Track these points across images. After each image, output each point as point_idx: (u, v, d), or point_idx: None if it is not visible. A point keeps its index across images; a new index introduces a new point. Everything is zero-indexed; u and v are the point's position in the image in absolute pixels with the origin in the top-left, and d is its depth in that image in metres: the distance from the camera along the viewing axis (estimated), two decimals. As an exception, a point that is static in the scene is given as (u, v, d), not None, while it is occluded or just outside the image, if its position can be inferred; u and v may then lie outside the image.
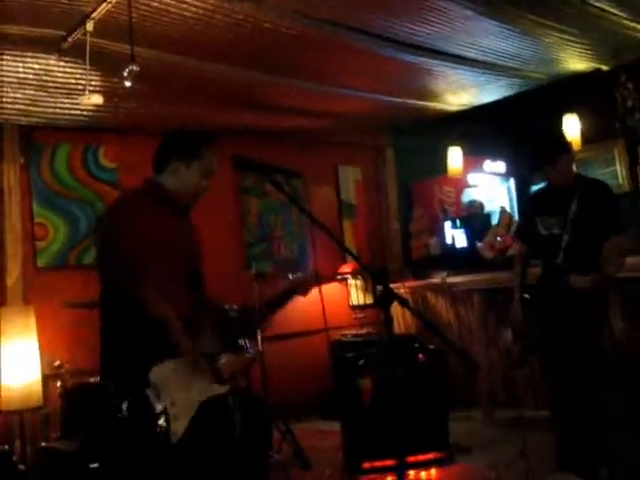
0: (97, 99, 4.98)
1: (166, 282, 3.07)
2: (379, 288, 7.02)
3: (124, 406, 2.95)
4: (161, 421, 2.85)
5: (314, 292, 7.18)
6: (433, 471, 5.08)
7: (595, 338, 4.27)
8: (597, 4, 5.22)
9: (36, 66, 5.08)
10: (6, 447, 5.17)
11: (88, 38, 4.54)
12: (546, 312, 4.33)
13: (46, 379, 5.69)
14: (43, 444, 5.07)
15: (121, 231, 3.01)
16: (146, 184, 3.30)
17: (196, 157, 3.21)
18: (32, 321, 5.69)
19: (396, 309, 2.64)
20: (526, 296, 4.53)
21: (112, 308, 3.08)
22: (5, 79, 5.20)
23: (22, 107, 5.74)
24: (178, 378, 2.97)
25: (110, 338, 3.09)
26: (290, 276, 3.67)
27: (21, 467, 5.16)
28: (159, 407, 2.86)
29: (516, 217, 7.68)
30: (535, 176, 6.11)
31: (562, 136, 4.80)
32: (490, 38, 5.67)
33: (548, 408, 4.64)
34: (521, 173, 8.89)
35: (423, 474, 5.04)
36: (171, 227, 3.21)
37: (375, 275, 4.82)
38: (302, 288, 3.66)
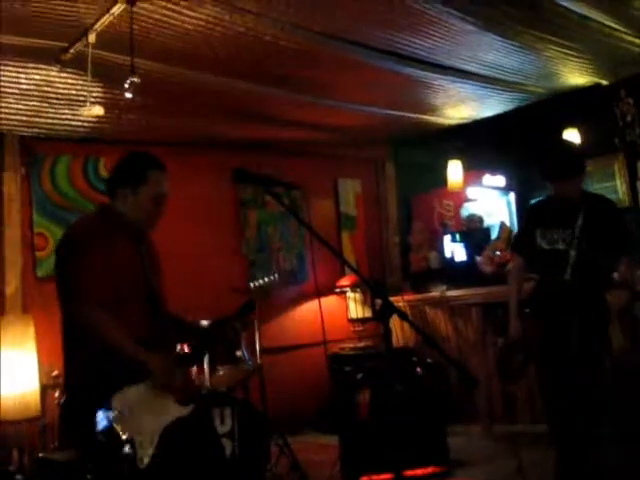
0: (98, 110, 4.98)
1: (123, 305, 3.08)
2: (378, 301, 7.04)
3: (88, 435, 2.94)
4: (127, 449, 2.84)
5: (314, 305, 7.31)
6: (431, 485, 5.07)
7: (598, 354, 4.21)
8: (597, 19, 5.23)
9: (37, 77, 5.10)
10: (3, 457, 5.15)
11: (90, 50, 4.56)
12: (548, 327, 4.27)
13: (44, 389, 5.69)
14: (41, 454, 5.05)
15: (78, 257, 3.02)
16: (101, 209, 3.32)
17: (142, 182, 3.20)
18: (31, 331, 5.69)
19: (395, 322, 2.63)
20: (526, 310, 4.48)
21: (71, 330, 3.10)
22: (7, 90, 5.22)
23: (23, 118, 5.77)
24: (141, 403, 2.96)
25: (72, 359, 3.11)
26: (251, 285, 3.65)
27: (18, 477, 5.15)
28: (125, 435, 2.86)
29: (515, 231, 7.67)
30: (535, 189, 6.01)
31: (580, 151, 4.62)
32: (490, 52, 5.69)
33: (546, 423, 4.61)
34: (521, 187, 8.88)
35: (421, 488, 5.04)
36: (128, 250, 3.20)
37: (374, 288, 4.82)
38: (262, 296, 3.63)
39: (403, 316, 2.70)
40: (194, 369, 4.95)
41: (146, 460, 2.86)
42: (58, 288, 3.14)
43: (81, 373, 3.03)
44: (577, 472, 4.18)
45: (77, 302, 2.98)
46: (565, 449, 4.25)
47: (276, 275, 3.67)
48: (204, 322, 4.71)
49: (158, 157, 3.31)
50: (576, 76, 6.63)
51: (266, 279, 3.65)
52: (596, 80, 6.83)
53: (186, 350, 3.69)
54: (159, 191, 3.24)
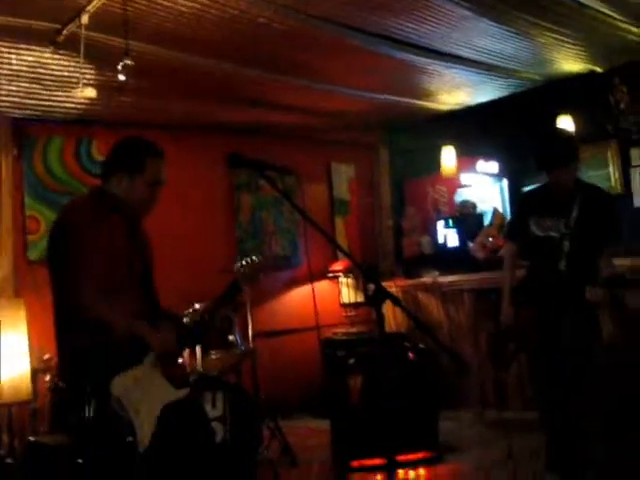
0: (91, 92, 4.96)
1: (118, 288, 3.08)
2: (370, 287, 7.05)
3: (87, 420, 2.95)
4: (127, 432, 2.85)
5: (306, 289, 7.32)
6: (422, 470, 5.08)
7: (589, 344, 4.23)
8: (593, 6, 5.22)
9: (30, 58, 5.06)
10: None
11: (83, 31, 4.53)
12: (541, 315, 4.28)
13: (35, 373, 5.67)
14: (31, 438, 5.04)
15: (73, 240, 3.01)
16: (95, 191, 3.30)
17: (139, 170, 3.19)
18: (22, 314, 5.68)
19: (387, 308, 2.64)
20: (519, 298, 4.48)
21: (65, 314, 3.08)
22: (-1, 71, 5.18)
23: (16, 99, 5.73)
24: (139, 387, 2.97)
25: (66, 345, 3.10)
26: (236, 266, 3.62)
27: (8, 461, 5.14)
28: (124, 417, 2.86)
29: (509, 218, 7.67)
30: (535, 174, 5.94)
31: (574, 138, 4.62)
32: (486, 38, 5.68)
33: (537, 410, 4.63)
34: (514, 174, 8.89)
35: (412, 473, 5.04)
36: (121, 233, 3.19)
37: (367, 273, 4.81)
38: (248, 279, 3.59)
39: (396, 301, 2.69)
40: (186, 353, 4.96)
41: (146, 442, 2.87)
42: (52, 271, 3.12)
43: (76, 358, 3.02)
44: (566, 458, 4.21)
45: (76, 286, 2.96)
46: (555, 436, 4.28)
47: (260, 256, 3.65)
48: (197, 305, 4.71)
49: (156, 143, 3.29)
50: (570, 63, 6.62)
51: (249, 259, 3.62)
52: (590, 67, 6.82)
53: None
54: (156, 179, 3.24)
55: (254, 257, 3.64)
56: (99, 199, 3.22)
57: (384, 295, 2.65)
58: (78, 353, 3.02)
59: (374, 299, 2.64)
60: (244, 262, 3.61)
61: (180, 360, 3.30)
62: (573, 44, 6.03)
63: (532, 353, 4.45)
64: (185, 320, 3.62)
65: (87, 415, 2.94)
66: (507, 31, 5.54)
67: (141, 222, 3.38)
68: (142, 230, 3.39)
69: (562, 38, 5.84)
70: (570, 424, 4.21)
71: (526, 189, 6.32)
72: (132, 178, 3.18)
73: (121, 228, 3.19)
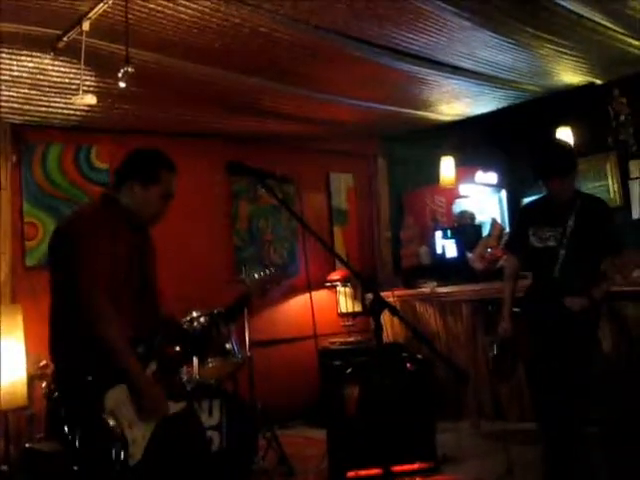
0: (91, 99, 4.96)
1: (118, 297, 3.05)
2: (368, 296, 7.08)
3: (79, 432, 2.93)
4: (118, 445, 2.83)
5: (304, 298, 7.30)
6: (418, 481, 5.08)
7: (588, 354, 4.23)
8: (593, 18, 5.24)
9: (30, 64, 5.05)
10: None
11: (84, 38, 4.52)
12: (539, 326, 4.27)
13: (31, 379, 5.66)
14: (27, 445, 5.04)
15: (81, 246, 2.99)
16: (104, 199, 3.29)
17: (154, 181, 3.20)
18: (19, 320, 5.66)
19: (385, 317, 2.63)
20: (515, 310, 4.49)
21: (62, 323, 3.06)
22: (-1, 77, 5.18)
23: (15, 105, 5.72)
24: (134, 400, 2.95)
25: (61, 353, 3.08)
26: (244, 278, 3.61)
27: (4, 467, 5.13)
28: (116, 431, 2.84)
29: (507, 229, 7.68)
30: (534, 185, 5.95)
31: (573, 149, 4.63)
32: (486, 49, 5.69)
33: (535, 422, 4.62)
34: (513, 185, 8.90)
35: (408, 484, 5.04)
36: (126, 244, 3.17)
37: (366, 282, 4.82)
38: (259, 292, 3.58)
39: (394, 311, 2.69)
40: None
41: (138, 456, 2.86)
42: (53, 277, 3.11)
43: (72, 368, 3.01)
44: (565, 470, 4.19)
45: (85, 294, 2.94)
46: (553, 447, 4.26)
47: (272, 269, 3.64)
48: (194, 313, 4.70)
49: (170, 157, 3.30)
50: (570, 75, 6.63)
51: (262, 273, 3.61)
52: (590, 79, 6.85)
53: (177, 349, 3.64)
54: (168, 191, 3.25)
55: (266, 270, 3.63)
56: (109, 207, 3.21)
57: (382, 305, 2.65)
58: (73, 363, 3.01)
59: (372, 309, 2.64)
60: (256, 275, 3.60)
61: (180, 374, 3.26)
62: (573, 56, 6.05)
63: (529, 362, 4.44)
64: (186, 326, 3.61)
65: (79, 427, 2.93)
66: (507, 42, 5.55)
67: (147, 233, 3.37)
68: (149, 241, 3.39)
69: (562, 50, 5.85)
70: (568, 434, 4.19)
71: (526, 201, 6.31)
72: (146, 188, 3.19)
73: (126, 238, 3.18)
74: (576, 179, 4.32)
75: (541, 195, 4.53)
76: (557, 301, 4.15)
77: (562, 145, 4.73)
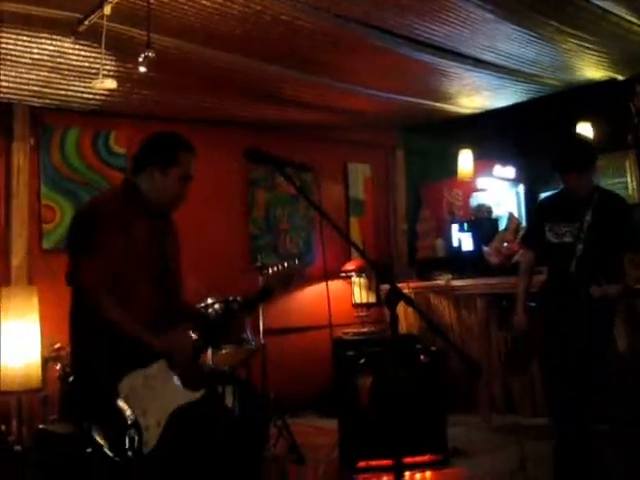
0: (111, 84, 4.97)
1: (134, 287, 3.07)
2: (383, 287, 7.04)
3: (93, 417, 2.95)
4: (132, 432, 2.84)
5: (319, 288, 7.30)
6: (428, 473, 5.07)
7: (602, 349, 4.21)
8: (617, 13, 5.19)
9: (51, 48, 5.06)
10: (3, 428, 5.17)
11: (105, 22, 4.52)
12: (554, 321, 4.25)
13: (46, 361, 5.69)
14: (40, 426, 5.06)
15: (90, 232, 3.00)
16: (124, 185, 3.29)
17: (173, 164, 3.19)
18: (35, 302, 5.70)
19: (399, 309, 2.61)
20: (532, 304, 4.47)
21: (80, 309, 3.07)
22: (19, 59, 5.18)
23: (34, 88, 5.73)
24: (149, 387, 2.95)
25: (79, 337, 3.10)
26: (270, 270, 3.55)
27: (17, 448, 5.16)
28: (130, 418, 2.85)
29: (524, 223, 7.64)
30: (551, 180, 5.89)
31: (592, 144, 4.58)
32: (508, 42, 5.64)
33: (548, 417, 4.60)
34: (531, 179, 8.86)
35: (418, 476, 5.03)
36: (144, 232, 3.17)
37: (383, 273, 4.80)
38: (281, 285, 3.53)
39: (410, 302, 2.68)
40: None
41: (152, 444, 2.86)
42: (69, 264, 3.12)
43: (89, 354, 3.02)
44: (577, 467, 4.18)
45: (89, 287, 2.96)
46: (566, 443, 4.25)
47: (295, 261, 3.59)
48: (210, 300, 4.70)
49: (187, 138, 3.29)
50: (592, 70, 6.57)
51: (285, 265, 3.55)
52: (612, 75, 6.78)
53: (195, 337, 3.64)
54: (187, 173, 3.24)
55: (291, 262, 3.56)
56: (129, 194, 3.21)
57: (399, 296, 2.64)
58: (90, 348, 3.02)
59: (389, 300, 2.63)
60: (279, 267, 3.54)
61: (200, 360, 3.25)
62: (595, 51, 5.99)
63: (543, 357, 4.42)
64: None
65: (94, 412, 2.95)
66: (530, 35, 5.50)
67: (169, 219, 3.37)
68: (171, 227, 3.38)
69: (585, 44, 5.80)
70: (582, 431, 4.17)
71: (543, 196, 6.28)
72: (165, 172, 3.18)
73: (144, 225, 3.18)
74: (594, 175, 4.30)
75: (558, 190, 4.50)
76: (573, 296, 4.12)
77: (581, 140, 4.69)
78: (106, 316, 2.93)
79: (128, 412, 2.85)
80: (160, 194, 3.20)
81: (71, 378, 4.62)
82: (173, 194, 3.24)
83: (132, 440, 2.83)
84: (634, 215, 4.65)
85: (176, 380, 3.06)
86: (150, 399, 2.93)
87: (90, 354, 3.00)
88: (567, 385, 4.19)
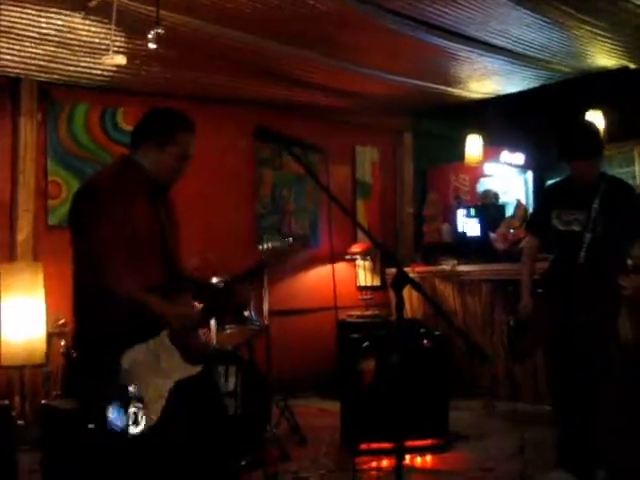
0: (120, 60, 4.95)
1: (141, 261, 3.04)
2: (389, 271, 7.03)
3: (95, 390, 2.94)
4: (135, 406, 2.84)
5: (323, 270, 7.30)
6: (429, 457, 5.09)
7: (607, 339, 4.20)
8: (632, 0, 5.13)
9: (60, 22, 5.03)
10: (6, 402, 5.18)
11: (115, -2, 4.50)
12: (560, 309, 4.23)
13: (50, 337, 5.70)
14: (43, 401, 5.08)
15: (99, 211, 2.95)
16: (123, 162, 3.26)
17: (170, 141, 3.15)
18: (40, 278, 5.70)
19: (404, 293, 2.60)
20: (539, 291, 4.45)
21: (84, 284, 3.05)
22: (27, 33, 5.15)
23: (42, 63, 5.70)
24: (150, 361, 2.93)
25: (83, 311, 3.08)
26: (264, 246, 3.55)
27: (20, 422, 5.18)
28: (133, 392, 2.85)
29: (531, 210, 7.61)
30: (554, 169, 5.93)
31: (599, 132, 4.56)
32: (521, 27, 5.61)
33: (551, 404, 4.60)
34: (539, 166, 8.83)
35: (419, 459, 5.05)
36: (145, 205, 3.15)
37: (389, 257, 4.79)
38: (273, 260, 3.53)
39: (417, 287, 2.67)
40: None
41: (154, 417, 2.86)
42: (73, 237, 3.10)
43: (92, 327, 3.01)
44: (578, 455, 4.18)
45: (98, 262, 2.94)
46: (568, 431, 4.25)
47: (290, 239, 3.59)
48: (214, 279, 4.70)
49: (188, 116, 3.26)
50: (604, 57, 6.52)
51: (278, 242, 3.56)
52: (624, 63, 6.72)
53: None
54: (185, 152, 3.20)
55: (284, 239, 3.57)
56: (127, 168, 3.19)
57: (405, 280, 2.62)
58: (94, 321, 3.01)
59: (395, 283, 2.61)
60: (271, 244, 3.55)
61: (201, 334, 3.25)
62: (608, 38, 5.94)
63: (548, 345, 4.42)
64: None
65: (96, 385, 2.95)
66: (543, 21, 5.46)
67: (167, 194, 3.35)
68: (169, 202, 3.37)
69: (598, 31, 5.75)
70: (583, 420, 4.18)
71: (550, 182, 6.26)
72: (162, 149, 3.15)
73: (145, 199, 3.16)
74: (601, 163, 4.26)
75: (565, 177, 4.48)
76: (583, 285, 4.10)
77: (589, 127, 4.63)
78: (115, 284, 2.92)
79: (131, 386, 2.85)
80: (157, 170, 3.17)
81: (73, 352, 4.64)
82: (169, 171, 3.19)
83: (135, 414, 2.84)
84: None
85: (177, 354, 3.06)
86: (152, 373, 2.93)
87: (93, 327, 3.00)
88: (571, 373, 4.19)
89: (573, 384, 4.19)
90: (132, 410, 2.83)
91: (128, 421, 2.83)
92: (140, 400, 2.85)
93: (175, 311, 3.03)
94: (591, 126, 4.66)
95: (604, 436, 4.22)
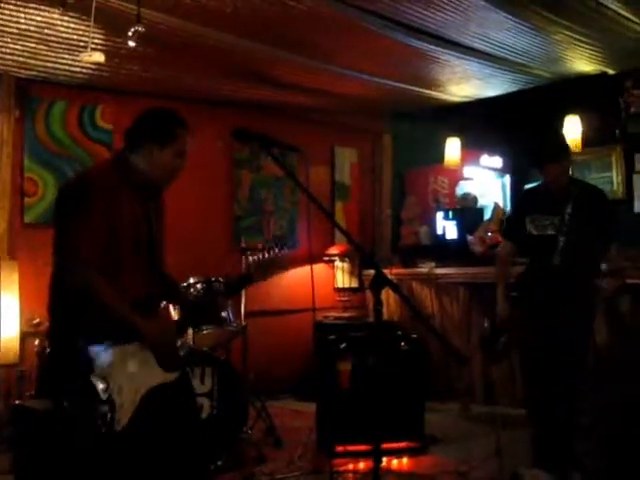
0: (99, 57, 4.91)
1: (121, 263, 3.02)
2: (366, 272, 7.03)
3: (67, 391, 2.93)
4: (105, 408, 2.81)
5: (301, 271, 7.29)
6: (405, 460, 5.09)
7: (582, 341, 4.28)
8: (613, 7, 5.18)
9: (38, 18, 4.97)
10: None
11: (95, -6, 4.46)
12: (534, 311, 4.30)
13: (24, 336, 5.65)
14: (17, 402, 5.03)
15: (81, 210, 2.93)
16: (118, 161, 3.22)
17: (171, 140, 3.16)
18: (15, 276, 5.65)
19: (382, 295, 2.60)
20: (513, 294, 4.50)
21: (62, 283, 3.02)
22: (5, 29, 5.09)
23: (21, 59, 5.64)
24: (125, 365, 2.92)
25: (58, 310, 3.05)
26: (251, 258, 3.57)
27: (-8, 423, 5.14)
28: (104, 395, 2.83)
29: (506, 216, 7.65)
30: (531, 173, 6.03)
31: (564, 137, 4.74)
32: (501, 31, 5.64)
33: (524, 406, 4.63)
34: (517, 170, 8.87)
35: (395, 462, 5.05)
36: (133, 208, 3.12)
37: (367, 259, 4.80)
38: (261, 273, 3.56)
39: (396, 288, 2.68)
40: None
41: (124, 422, 2.84)
42: (56, 231, 3.07)
43: (67, 327, 2.98)
44: (554, 455, 4.21)
45: (73, 260, 2.91)
46: (543, 432, 4.28)
47: (277, 250, 3.61)
48: (192, 279, 4.68)
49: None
50: (583, 63, 6.58)
51: (267, 254, 3.58)
52: (603, 69, 6.79)
53: (175, 316, 3.62)
54: (183, 149, 3.22)
55: (271, 252, 3.60)
56: (120, 167, 3.16)
57: (384, 282, 2.63)
58: (69, 320, 2.98)
59: (374, 285, 2.61)
60: (260, 256, 3.57)
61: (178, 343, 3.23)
62: (588, 44, 5.99)
63: (523, 348, 4.46)
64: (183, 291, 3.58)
65: (69, 386, 2.92)
66: (523, 25, 5.49)
67: (161, 195, 3.34)
68: (161, 204, 3.35)
69: (577, 37, 5.80)
70: (557, 421, 4.22)
71: (525, 188, 6.31)
72: (163, 148, 3.14)
73: (134, 202, 3.13)
74: (569, 167, 4.42)
75: (538, 184, 4.61)
76: (557, 288, 4.17)
77: (554, 133, 4.85)
78: (94, 291, 2.89)
79: (103, 388, 2.83)
80: (157, 170, 3.16)
81: (48, 351, 4.60)
82: (169, 170, 3.21)
83: (104, 417, 2.81)
84: (614, 208, 4.73)
85: (153, 360, 3.03)
86: (126, 377, 2.91)
87: (68, 328, 2.97)
88: (546, 376, 4.23)
89: (548, 387, 4.22)
90: (103, 413, 2.81)
91: (98, 423, 2.81)
92: (112, 403, 2.83)
93: (150, 326, 2.99)
94: (556, 132, 4.84)
95: (578, 439, 4.27)
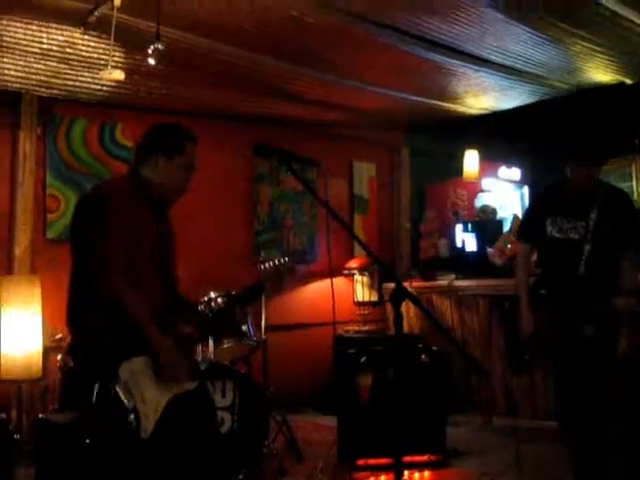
0: (119, 75, 4.96)
1: (141, 274, 3.06)
2: (387, 286, 7.03)
3: (92, 402, 2.94)
4: (131, 418, 2.84)
5: (321, 285, 7.31)
6: (427, 473, 5.06)
7: (608, 353, 4.11)
8: (630, 17, 5.17)
9: (60, 38, 5.06)
10: (3, 416, 5.18)
11: (115, 13, 4.51)
12: (559, 322, 4.16)
13: (47, 351, 5.70)
14: (40, 416, 5.07)
15: (104, 222, 2.98)
16: (131, 175, 3.27)
17: (178, 152, 3.20)
18: (37, 292, 5.69)
19: (402, 308, 2.61)
20: (542, 292, 4.33)
21: (83, 295, 3.05)
22: (28, 49, 5.18)
23: (43, 78, 5.73)
24: (148, 375, 2.95)
25: (80, 323, 3.08)
26: (261, 267, 3.58)
27: (16, 436, 5.16)
28: (129, 404, 2.85)
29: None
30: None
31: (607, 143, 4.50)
32: (518, 43, 5.63)
33: (557, 418, 4.52)
34: (536, 182, 8.85)
35: (417, 475, 5.02)
36: (149, 220, 3.17)
37: (387, 272, 4.80)
38: (271, 280, 3.56)
39: (416, 301, 2.68)
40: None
41: (149, 430, 2.86)
42: (75, 246, 3.10)
43: (89, 339, 3.01)
44: (591, 470, 4.13)
45: (101, 272, 2.93)
46: (577, 446, 4.19)
47: (286, 259, 3.62)
48: (212, 294, 4.71)
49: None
50: (601, 73, 6.56)
51: (276, 261, 3.59)
52: (620, 78, 6.76)
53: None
54: (191, 162, 3.25)
55: (281, 259, 3.60)
56: (134, 181, 3.20)
57: (404, 294, 2.63)
58: (91, 332, 3.01)
59: (394, 298, 2.62)
60: (271, 263, 3.58)
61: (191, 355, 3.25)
62: (605, 54, 5.98)
63: (553, 362, 4.36)
64: (201, 308, 3.60)
65: (93, 396, 2.94)
66: (540, 37, 5.48)
67: (168, 208, 3.37)
68: (168, 217, 3.38)
69: (594, 47, 5.78)
70: (592, 435, 4.11)
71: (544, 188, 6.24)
72: (170, 161, 3.18)
73: (148, 214, 3.18)
74: (600, 172, 4.22)
75: (556, 181, 4.39)
76: (583, 299, 4.03)
77: (597, 135, 4.56)
78: (124, 300, 2.91)
79: (127, 398, 2.85)
80: (164, 183, 3.20)
81: (70, 363, 4.63)
82: (176, 183, 3.24)
83: (130, 426, 2.84)
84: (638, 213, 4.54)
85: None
86: (149, 386, 2.94)
87: (90, 340, 3.00)
88: (574, 393, 4.14)
89: (582, 399, 4.13)
90: (128, 422, 2.84)
91: (124, 433, 2.84)
92: (137, 413, 2.86)
93: (167, 344, 3.00)
94: (602, 134, 4.59)
95: (616, 450, 4.15)
